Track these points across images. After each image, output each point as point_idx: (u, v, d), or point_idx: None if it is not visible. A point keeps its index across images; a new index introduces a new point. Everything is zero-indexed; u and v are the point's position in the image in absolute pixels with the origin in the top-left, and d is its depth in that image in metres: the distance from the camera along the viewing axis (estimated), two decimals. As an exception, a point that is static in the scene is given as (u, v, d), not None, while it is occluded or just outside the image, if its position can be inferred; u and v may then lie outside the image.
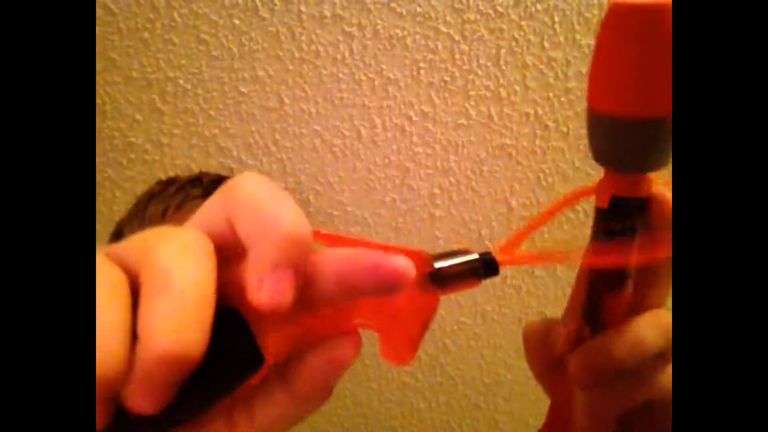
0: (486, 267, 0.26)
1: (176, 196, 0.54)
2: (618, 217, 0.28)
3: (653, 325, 0.28)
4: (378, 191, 0.88)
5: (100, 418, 0.18)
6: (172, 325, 0.17)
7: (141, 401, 0.18)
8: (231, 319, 0.20)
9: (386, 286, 0.20)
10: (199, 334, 0.17)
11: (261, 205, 0.20)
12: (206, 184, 0.56)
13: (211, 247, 0.20)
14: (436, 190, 0.89)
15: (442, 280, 0.25)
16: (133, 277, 0.19)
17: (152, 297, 0.18)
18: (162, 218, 0.52)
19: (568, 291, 0.96)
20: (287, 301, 0.19)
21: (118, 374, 0.17)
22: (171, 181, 0.58)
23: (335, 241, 0.23)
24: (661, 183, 0.26)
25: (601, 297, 0.29)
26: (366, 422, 1.11)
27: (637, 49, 0.22)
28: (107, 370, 0.17)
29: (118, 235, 0.55)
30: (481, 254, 0.26)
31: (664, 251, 0.27)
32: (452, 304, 1.01)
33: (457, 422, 1.13)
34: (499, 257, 0.26)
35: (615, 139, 0.25)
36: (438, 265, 0.25)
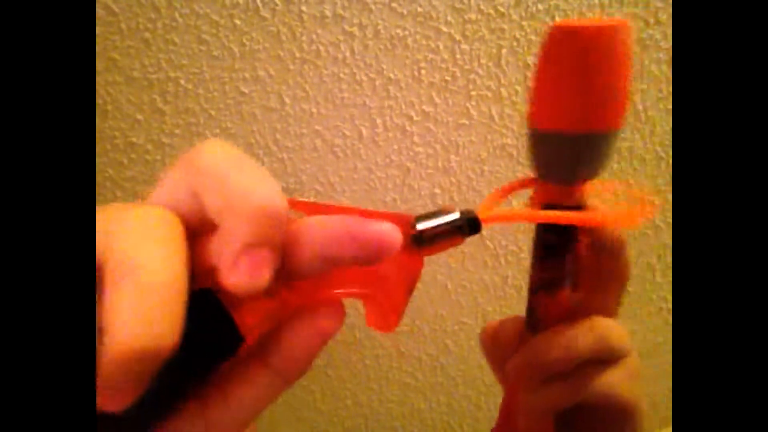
0: (469, 225, 0.26)
1: None
2: (552, 226, 0.27)
3: (586, 330, 0.29)
4: (379, 191, 0.88)
5: None
6: (139, 317, 0.15)
7: (109, 400, 0.16)
8: (204, 300, 0.18)
9: (370, 255, 0.19)
10: (170, 323, 0.16)
11: (228, 176, 0.18)
12: None
13: (177, 224, 0.18)
14: (437, 190, 0.89)
15: (426, 242, 0.24)
16: (97, 266, 0.17)
17: (115, 287, 0.16)
18: None
19: (569, 291, 0.93)
20: (263, 283, 0.18)
21: None
22: None
23: (314, 209, 0.22)
24: (596, 194, 0.27)
25: (539, 301, 0.30)
26: (366, 423, 1.11)
27: (570, 71, 0.23)
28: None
29: None
30: (462, 212, 0.26)
31: (600, 259, 0.28)
32: (453, 305, 1.01)
33: (458, 423, 1.13)
34: (481, 215, 0.26)
35: (547, 153, 0.26)
36: (421, 226, 0.24)
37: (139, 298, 0.15)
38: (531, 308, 0.31)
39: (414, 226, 0.24)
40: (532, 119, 0.25)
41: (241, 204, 0.17)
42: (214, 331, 0.18)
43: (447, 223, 0.25)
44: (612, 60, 0.22)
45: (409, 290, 0.25)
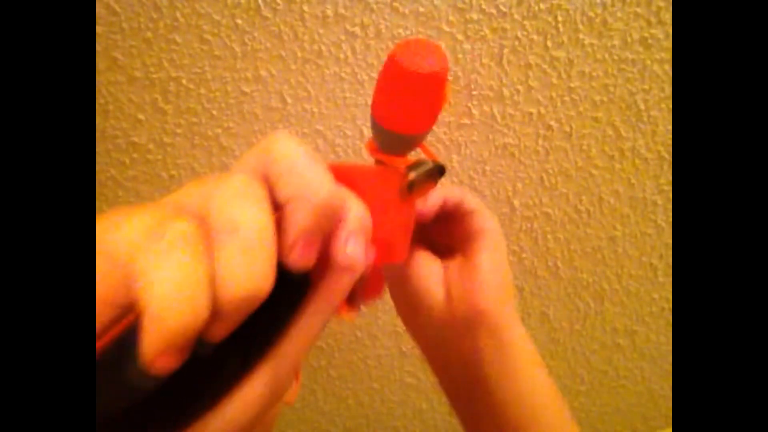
0: (441, 172, 0.34)
1: None
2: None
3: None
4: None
5: (174, 362, 0.18)
6: (245, 269, 0.18)
7: (217, 335, 0.19)
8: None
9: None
10: (266, 273, 0.19)
11: (302, 170, 0.21)
12: None
13: (264, 191, 0.21)
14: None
15: (415, 188, 0.33)
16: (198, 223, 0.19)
17: (225, 242, 0.19)
18: None
19: (570, 291, 0.98)
20: (309, 264, 0.21)
21: (203, 319, 0.18)
22: None
23: (338, 171, 0.25)
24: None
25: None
26: (368, 422, 1.11)
27: (397, 94, 0.31)
28: (195, 317, 0.18)
29: None
30: (434, 162, 0.34)
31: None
32: (455, 305, 1.00)
33: (459, 423, 1.13)
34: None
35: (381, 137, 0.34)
36: (411, 176, 0.33)
37: (244, 253, 0.18)
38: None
39: (407, 175, 0.33)
40: (374, 115, 0.34)
41: (310, 196, 0.20)
42: (287, 277, 0.21)
43: (427, 171, 0.34)
44: (429, 94, 0.31)
45: (410, 229, 0.33)
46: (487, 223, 0.39)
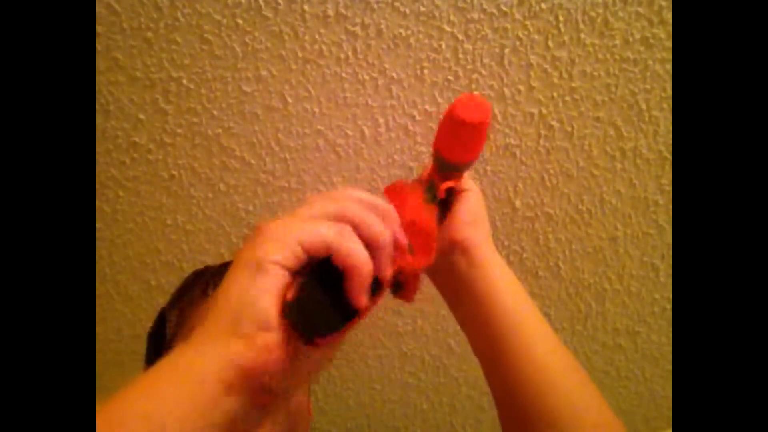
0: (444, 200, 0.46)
1: (212, 279, 0.59)
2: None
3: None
4: (382, 191, 0.87)
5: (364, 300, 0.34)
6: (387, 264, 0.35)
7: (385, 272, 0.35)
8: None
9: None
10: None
11: (368, 220, 0.35)
12: None
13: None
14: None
15: (436, 199, 0.45)
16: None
17: (352, 274, 0.34)
18: (201, 296, 0.57)
19: (572, 291, 0.98)
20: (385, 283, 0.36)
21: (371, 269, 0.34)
22: (206, 269, 0.63)
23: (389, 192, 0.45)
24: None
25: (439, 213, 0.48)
26: (369, 423, 1.11)
27: (457, 134, 0.43)
28: (369, 267, 0.33)
29: (161, 319, 0.59)
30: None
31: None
32: (456, 305, 1.00)
33: (460, 423, 1.13)
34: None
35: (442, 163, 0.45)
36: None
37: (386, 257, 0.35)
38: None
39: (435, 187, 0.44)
40: (437, 145, 0.45)
41: (375, 242, 0.35)
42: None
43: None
44: (477, 135, 0.43)
45: (434, 232, 0.43)
46: (466, 184, 0.49)
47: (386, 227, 0.35)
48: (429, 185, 0.45)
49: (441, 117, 0.44)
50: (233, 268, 0.33)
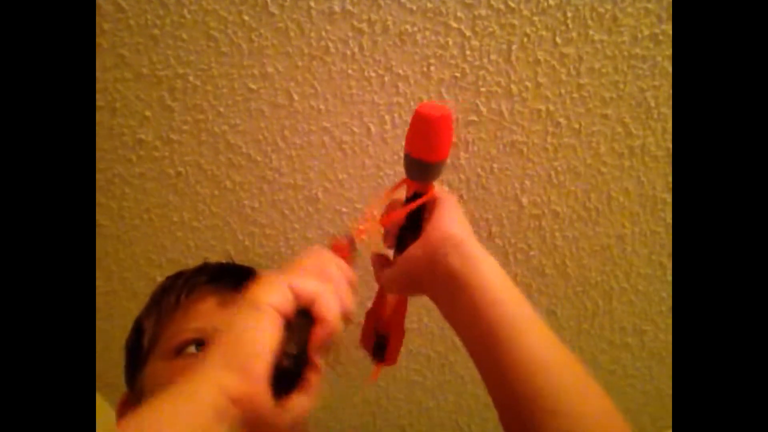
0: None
1: (185, 285, 0.60)
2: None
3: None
4: (382, 191, 0.87)
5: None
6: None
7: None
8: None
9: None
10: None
11: (340, 290, 0.42)
12: (212, 271, 0.62)
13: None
14: (447, 188, 0.88)
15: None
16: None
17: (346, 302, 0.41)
18: (176, 305, 0.58)
19: (579, 290, 0.97)
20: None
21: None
22: (179, 275, 0.63)
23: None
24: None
25: (407, 238, 0.51)
26: (374, 420, 1.11)
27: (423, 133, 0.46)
28: (338, 327, 0.39)
29: (138, 329, 0.61)
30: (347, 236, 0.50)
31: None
32: (462, 303, 1.00)
33: (465, 421, 1.12)
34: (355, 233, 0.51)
35: (412, 167, 0.49)
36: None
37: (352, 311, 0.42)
38: (401, 242, 0.53)
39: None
40: (407, 148, 0.47)
41: (341, 309, 0.40)
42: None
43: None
44: (442, 131, 0.46)
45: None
46: (440, 194, 0.51)
47: (339, 271, 0.43)
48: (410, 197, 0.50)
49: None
50: (237, 308, 0.39)
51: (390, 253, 0.55)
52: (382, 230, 0.55)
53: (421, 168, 0.48)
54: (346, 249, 0.49)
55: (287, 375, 0.37)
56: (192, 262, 0.94)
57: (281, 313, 0.38)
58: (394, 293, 0.55)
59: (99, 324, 0.94)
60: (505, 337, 0.42)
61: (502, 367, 0.42)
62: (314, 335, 0.39)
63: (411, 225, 0.52)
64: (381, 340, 0.58)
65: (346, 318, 0.41)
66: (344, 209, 0.89)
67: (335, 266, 0.43)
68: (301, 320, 0.39)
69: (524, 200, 0.90)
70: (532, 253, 0.95)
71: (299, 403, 0.40)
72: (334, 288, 0.41)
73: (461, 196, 0.89)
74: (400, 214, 0.52)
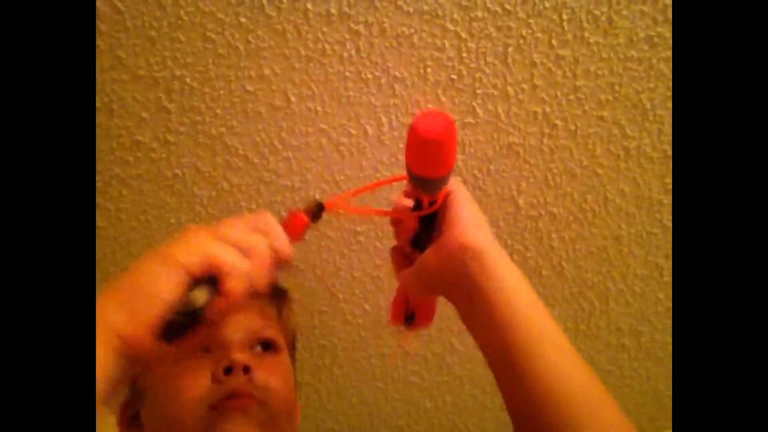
0: (316, 209, 0.48)
1: None
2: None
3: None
4: (384, 190, 0.87)
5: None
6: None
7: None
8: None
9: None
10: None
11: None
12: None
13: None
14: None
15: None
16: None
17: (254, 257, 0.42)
18: None
19: (575, 291, 0.97)
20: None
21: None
22: None
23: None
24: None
25: (423, 238, 0.49)
26: (372, 421, 1.11)
27: (421, 150, 0.42)
28: (242, 270, 0.42)
29: None
30: (316, 200, 0.48)
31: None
32: (459, 304, 1.00)
33: (463, 422, 1.13)
34: (326, 203, 0.48)
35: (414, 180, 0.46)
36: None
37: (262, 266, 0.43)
38: (418, 240, 0.50)
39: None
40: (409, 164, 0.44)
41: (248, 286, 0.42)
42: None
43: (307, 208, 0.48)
44: (442, 148, 0.42)
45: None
46: (452, 186, 0.48)
47: (264, 242, 0.43)
48: (415, 204, 0.47)
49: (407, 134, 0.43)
50: (148, 254, 0.41)
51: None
52: (352, 206, 0.55)
53: (428, 183, 0.45)
54: (300, 219, 0.47)
55: (177, 328, 0.39)
56: (189, 263, 0.94)
57: (188, 273, 0.40)
58: (413, 294, 0.53)
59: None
60: (524, 354, 0.42)
61: (520, 381, 0.42)
62: (213, 304, 0.40)
63: (426, 226, 0.49)
64: (410, 317, 0.55)
65: (255, 291, 0.42)
66: (341, 210, 0.89)
67: (263, 240, 0.43)
68: (207, 285, 0.41)
69: (521, 202, 0.90)
70: (528, 254, 0.95)
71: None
72: (251, 263, 0.41)
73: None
74: (412, 223, 0.49)
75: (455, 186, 0.49)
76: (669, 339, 1.08)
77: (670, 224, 0.94)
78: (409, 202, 0.50)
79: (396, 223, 0.51)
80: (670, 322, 1.05)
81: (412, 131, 0.41)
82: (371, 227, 0.90)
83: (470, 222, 0.46)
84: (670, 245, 0.96)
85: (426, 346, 1.02)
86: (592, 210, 0.91)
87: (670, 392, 1.16)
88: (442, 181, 0.45)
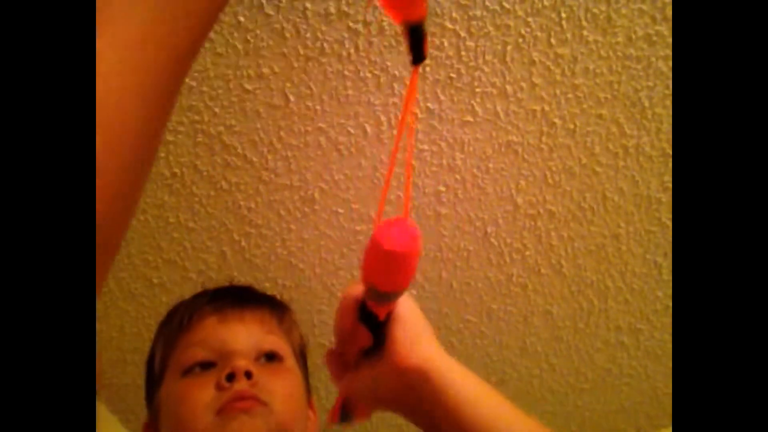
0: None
1: (187, 309, 0.61)
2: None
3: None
4: (382, 189, 0.87)
5: None
6: None
7: None
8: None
9: None
10: None
11: None
12: (212, 293, 0.64)
13: None
14: (442, 188, 0.88)
15: None
16: None
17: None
18: (179, 328, 0.60)
19: (574, 289, 0.97)
20: None
21: None
22: (182, 301, 0.65)
23: None
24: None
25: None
26: (371, 420, 1.11)
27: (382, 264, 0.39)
28: None
29: (151, 354, 0.63)
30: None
31: None
32: (457, 302, 1.00)
33: None
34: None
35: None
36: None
37: None
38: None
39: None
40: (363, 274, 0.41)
41: None
42: None
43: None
44: (397, 265, 0.38)
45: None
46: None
47: None
48: (362, 310, 0.43)
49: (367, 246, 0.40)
50: None
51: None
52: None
53: (387, 296, 0.42)
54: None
55: None
56: (188, 263, 0.94)
57: None
58: (356, 402, 0.51)
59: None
60: None
61: None
62: None
63: (374, 338, 0.46)
64: (348, 415, 0.53)
65: None
66: (340, 210, 0.89)
67: None
68: None
69: (520, 200, 0.90)
70: (527, 252, 0.95)
71: None
72: None
73: (456, 196, 0.89)
74: (365, 335, 0.45)
75: (401, 299, 0.46)
76: (668, 337, 1.08)
77: (668, 222, 0.94)
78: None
79: (345, 331, 0.47)
80: (668, 320, 1.06)
81: (375, 243, 0.37)
82: (370, 226, 0.90)
83: (415, 340, 0.45)
84: (668, 243, 0.96)
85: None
86: (591, 208, 0.91)
87: (668, 390, 1.16)
88: (399, 294, 0.42)
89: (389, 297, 0.42)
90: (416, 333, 0.45)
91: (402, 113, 0.44)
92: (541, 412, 1.14)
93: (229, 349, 0.57)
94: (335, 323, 0.47)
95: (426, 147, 0.84)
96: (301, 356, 0.68)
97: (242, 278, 0.94)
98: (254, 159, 0.84)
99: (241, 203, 0.88)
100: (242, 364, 0.55)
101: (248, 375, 0.54)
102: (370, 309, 0.43)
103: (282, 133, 0.82)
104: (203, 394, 0.54)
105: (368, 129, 0.82)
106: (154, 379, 0.60)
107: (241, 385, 0.54)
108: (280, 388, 0.57)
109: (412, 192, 0.87)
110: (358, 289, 0.44)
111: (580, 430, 1.21)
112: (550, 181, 0.88)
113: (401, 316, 0.45)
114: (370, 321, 0.44)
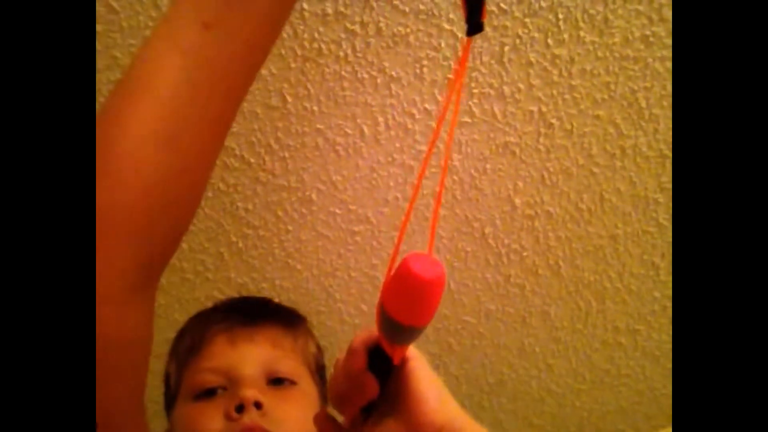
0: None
1: (197, 330, 0.61)
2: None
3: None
4: (381, 190, 0.87)
5: None
6: None
7: None
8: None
9: None
10: None
11: None
12: (222, 310, 0.64)
13: None
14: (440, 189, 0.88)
15: None
16: None
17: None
18: (190, 350, 0.60)
19: (572, 290, 0.97)
20: None
21: None
22: (193, 319, 0.65)
23: None
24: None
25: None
26: (369, 421, 1.11)
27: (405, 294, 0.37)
28: None
29: (166, 374, 0.63)
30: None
31: None
32: (456, 303, 1.00)
33: (460, 421, 1.12)
34: None
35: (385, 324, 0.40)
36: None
37: None
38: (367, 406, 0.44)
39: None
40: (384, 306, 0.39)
41: None
42: None
43: None
44: (426, 296, 0.37)
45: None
46: (410, 352, 0.44)
47: None
48: (373, 355, 0.41)
49: (390, 277, 0.38)
50: None
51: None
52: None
53: (402, 332, 0.40)
54: None
55: None
56: (186, 264, 0.94)
57: None
58: None
59: (92, 327, 0.94)
60: None
61: None
62: None
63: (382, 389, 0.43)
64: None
65: None
66: (338, 211, 0.89)
67: None
68: None
69: (517, 201, 0.90)
70: (525, 253, 0.95)
71: None
72: None
73: (454, 196, 0.89)
74: (372, 386, 0.42)
75: (413, 353, 0.44)
76: (666, 337, 1.08)
77: (666, 223, 0.94)
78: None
79: (352, 378, 0.43)
80: (666, 320, 1.06)
81: (407, 271, 0.35)
82: (368, 227, 0.90)
83: (439, 398, 0.42)
84: (666, 244, 0.96)
85: (423, 346, 1.02)
86: (589, 209, 0.91)
87: (666, 391, 1.16)
88: (417, 332, 0.40)
89: (408, 334, 0.40)
90: (438, 388, 0.42)
91: (445, 100, 0.41)
92: (539, 413, 1.14)
93: (239, 375, 0.56)
94: (334, 377, 0.44)
95: (424, 148, 0.84)
96: (318, 370, 0.66)
97: (240, 279, 0.94)
98: (252, 160, 0.84)
99: (239, 204, 0.88)
100: (251, 394, 0.54)
101: (258, 405, 0.54)
102: (383, 351, 0.41)
103: (279, 134, 0.82)
104: (213, 423, 0.54)
105: (365, 130, 0.82)
106: (170, 395, 0.61)
107: (250, 416, 0.53)
108: (292, 415, 0.56)
109: (409, 193, 0.87)
110: (367, 336, 0.42)
111: (578, 430, 1.21)
112: (547, 181, 0.88)
113: (419, 369, 0.42)
114: (382, 368, 0.42)
